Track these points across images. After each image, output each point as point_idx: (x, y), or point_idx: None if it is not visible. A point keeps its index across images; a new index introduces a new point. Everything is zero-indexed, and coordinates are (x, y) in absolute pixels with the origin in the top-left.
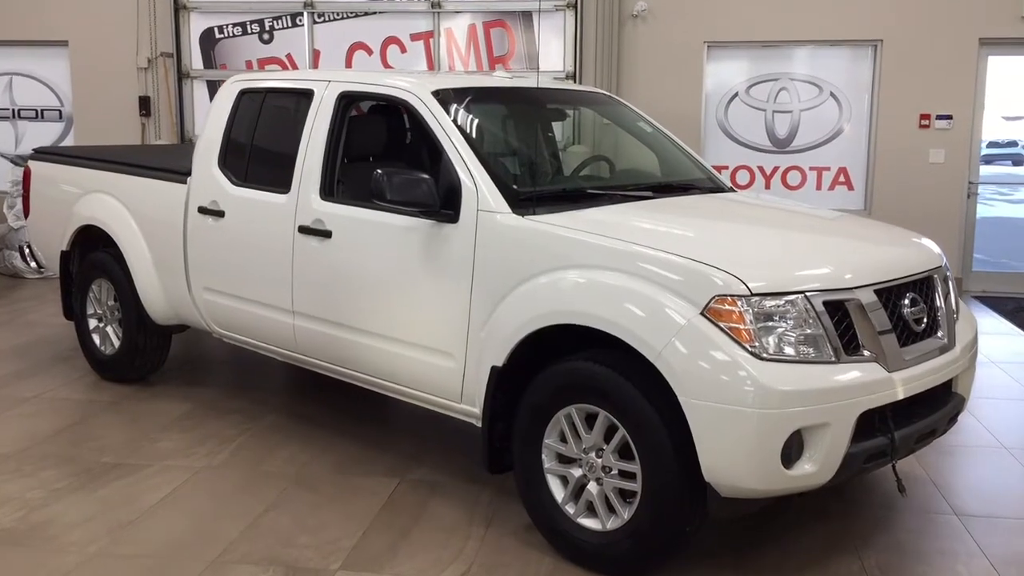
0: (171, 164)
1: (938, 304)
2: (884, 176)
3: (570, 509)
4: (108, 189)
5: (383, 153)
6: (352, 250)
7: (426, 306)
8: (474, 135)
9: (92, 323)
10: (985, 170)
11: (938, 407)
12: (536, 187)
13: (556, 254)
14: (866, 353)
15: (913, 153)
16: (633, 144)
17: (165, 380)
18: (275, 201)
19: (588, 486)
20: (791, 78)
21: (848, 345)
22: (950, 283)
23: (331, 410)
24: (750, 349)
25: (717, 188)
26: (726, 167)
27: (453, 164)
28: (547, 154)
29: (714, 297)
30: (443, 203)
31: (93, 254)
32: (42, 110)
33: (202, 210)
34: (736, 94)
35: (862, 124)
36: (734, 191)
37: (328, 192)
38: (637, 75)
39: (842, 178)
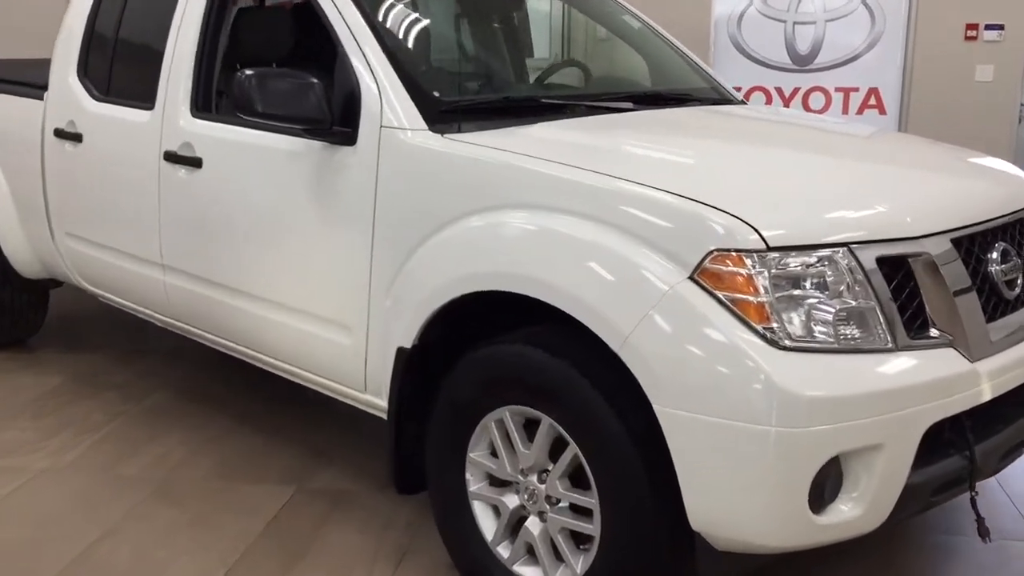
0: (32, 77)
1: None
2: (922, 98)
3: (503, 552)
4: None
5: (288, 57)
6: (226, 184)
7: (316, 262)
8: (388, 23)
9: None
10: None
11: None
12: (468, 95)
13: (480, 189)
14: (938, 334)
15: (957, 70)
16: (617, 46)
17: (47, 344)
18: (138, 120)
19: (528, 522)
20: None
21: (912, 322)
22: None
23: (238, 388)
24: (763, 332)
25: (724, 100)
26: (739, 88)
27: (351, 61)
28: (501, 55)
29: (711, 253)
30: (339, 118)
31: None
32: None
33: (58, 133)
34: (751, 3)
35: (897, 36)
36: (744, 103)
37: (202, 107)
38: None
39: (872, 100)
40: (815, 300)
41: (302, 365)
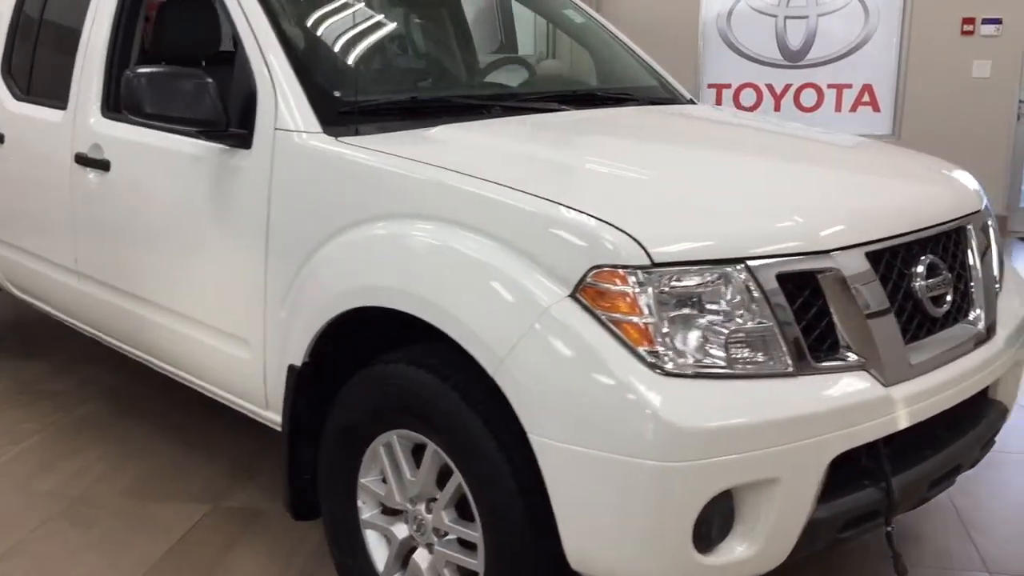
0: None
1: (974, 270)
2: (917, 94)
3: None
4: None
5: (213, 55)
6: (133, 189)
7: (215, 272)
8: (293, 19)
9: None
10: None
11: (964, 428)
12: (377, 95)
13: (364, 196)
14: (849, 356)
15: (953, 66)
16: (563, 42)
17: None
18: (52, 120)
19: (416, 554)
20: None
21: (821, 343)
22: (992, 236)
23: (174, 398)
24: (645, 355)
25: (672, 99)
26: (728, 85)
27: (249, 58)
28: (428, 53)
29: (592, 269)
30: (236, 119)
31: None
32: None
33: None
34: None
35: (891, 31)
36: (694, 103)
37: (113, 107)
38: None
39: (866, 97)
40: (705, 321)
41: (207, 379)
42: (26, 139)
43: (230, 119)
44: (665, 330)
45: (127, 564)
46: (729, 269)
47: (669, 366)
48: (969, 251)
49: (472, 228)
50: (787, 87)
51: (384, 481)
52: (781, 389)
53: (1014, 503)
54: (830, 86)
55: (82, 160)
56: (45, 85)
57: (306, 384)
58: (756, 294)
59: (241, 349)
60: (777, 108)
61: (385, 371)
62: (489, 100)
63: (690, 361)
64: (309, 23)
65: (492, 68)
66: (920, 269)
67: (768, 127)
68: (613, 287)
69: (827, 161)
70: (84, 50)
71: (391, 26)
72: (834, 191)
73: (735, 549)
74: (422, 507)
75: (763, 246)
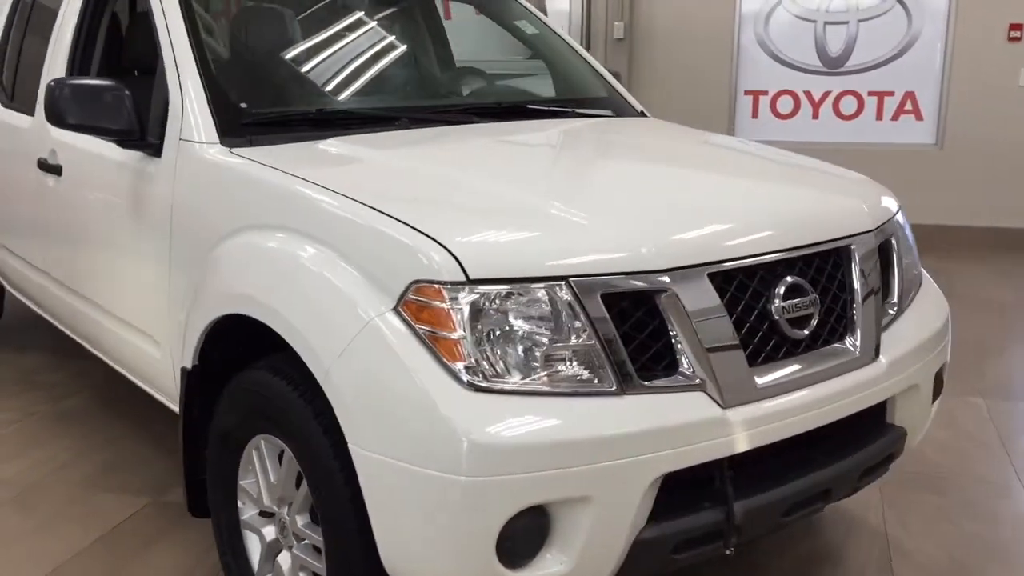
0: None
1: (855, 293)
2: (961, 103)
3: None
4: None
5: None
6: (77, 192)
7: (132, 272)
8: (216, 34)
9: None
10: None
11: (841, 453)
12: (284, 107)
13: (242, 205)
14: (685, 377)
15: (999, 73)
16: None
17: (7, 339)
18: (21, 126)
19: (280, 555)
20: None
21: (658, 362)
22: (895, 255)
23: None
24: (457, 371)
25: (617, 111)
26: (765, 92)
27: (166, 71)
28: (358, 65)
29: (413, 284)
30: (153, 129)
31: None
32: None
33: None
34: (779, 1)
35: (936, 37)
36: (644, 115)
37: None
38: None
39: (908, 105)
40: (521, 338)
41: (139, 376)
42: (4, 145)
43: (146, 129)
44: (479, 346)
45: (56, 550)
46: (550, 287)
47: (481, 382)
48: (850, 274)
49: (315, 239)
50: (826, 94)
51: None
52: (601, 407)
53: (940, 528)
54: (871, 94)
55: (42, 165)
56: (23, 93)
57: (196, 386)
58: (578, 313)
59: (154, 348)
60: (815, 116)
61: (251, 377)
62: (400, 112)
63: (503, 378)
64: (230, 39)
65: (450, 79)
66: (780, 290)
67: (675, 142)
68: (431, 302)
69: (707, 178)
70: (49, 59)
71: (314, 41)
72: (691, 209)
73: (548, 565)
74: (285, 510)
75: (587, 265)
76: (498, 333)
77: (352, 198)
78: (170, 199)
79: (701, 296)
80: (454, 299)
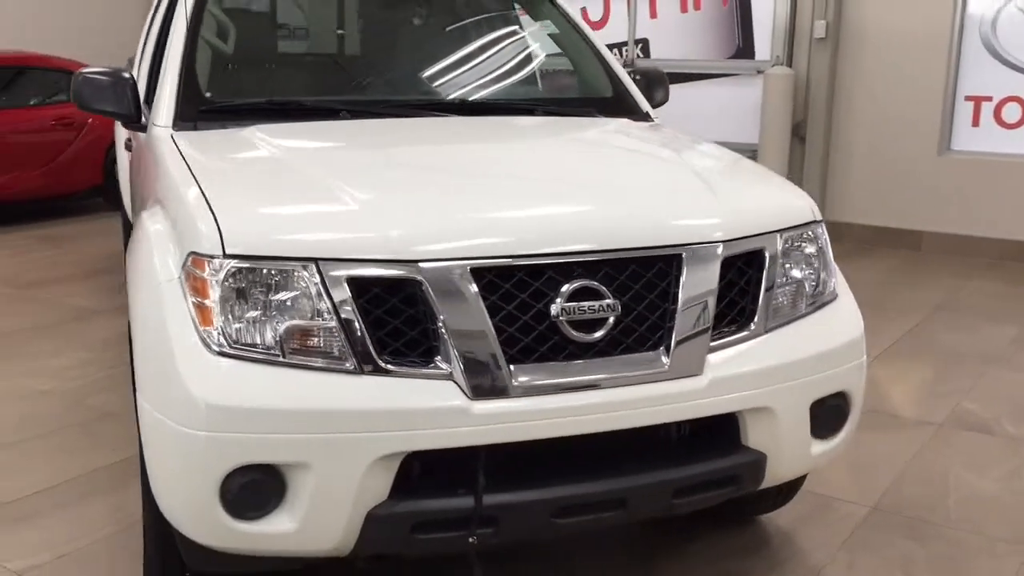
0: None
1: (677, 304)
2: None
3: None
4: None
5: None
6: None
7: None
8: (212, 31)
9: None
10: None
11: (646, 465)
12: (242, 98)
13: (154, 180)
14: (433, 365)
15: None
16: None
17: None
18: None
19: None
20: None
21: (414, 348)
22: (767, 272)
23: None
24: (209, 337)
25: (616, 112)
26: (989, 99)
27: (162, 59)
28: (329, 60)
29: (189, 254)
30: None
31: None
32: None
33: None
34: (1009, 1)
35: None
36: (648, 119)
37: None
38: None
39: None
40: (266, 312)
41: None
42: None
43: (139, 112)
44: (228, 316)
45: None
46: (298, 267)
47: (225, 349)
48: (677, 283)
49: (166, 211)
50: None
51: None
52: (332, 383)
53: None
54: None
55: (126, 145)
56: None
57: None
58: (323, 293)
59: None
60: None
61: None
62: (344, 106)
63: (245, 347)
64: (219, 34)
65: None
66: (565, 292)
67: (586, 144)
68: (197, 272)
69: (553, 179)
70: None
71: (290, 39)
72: (486, 207)
73: (276, 523)
74: None
75: (336, 250)
76: (246, 305)
77: (193, 174)
78: (142, 173)
79: (457, 290)
80: (213, 271)
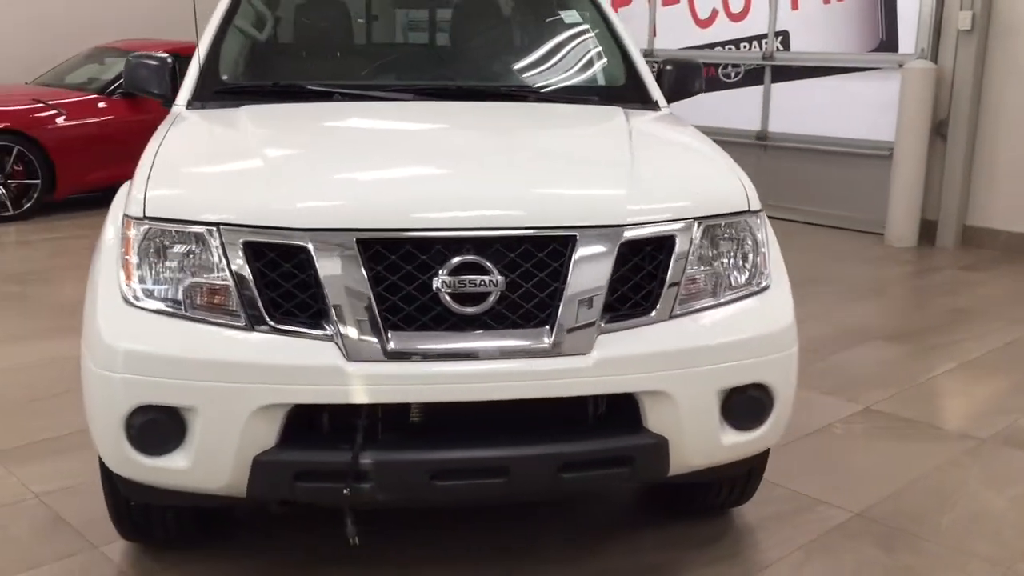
0: None
1: (565, 281)
2: None
3: None
4: None
5: None
6: None
7: None
8: (246, 18)
9: None
10: None
11: (534, 437)
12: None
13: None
14: (317, 327)
15: None
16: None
17: None
18: None
19: None
20: None
21: (305, 311)
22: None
23: None
24: (124, 289)
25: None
26: None
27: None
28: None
29: (124, 216)
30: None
31: None
32: None
33: None
34: None
35: None
36: (657, 109)
37: None
38: None
39: None
40: (172, 270)
41: None
42: None
43: (175, 92)
44: (142, 272)
45: None
46: (200, 231)
47: (136, 300)
48: (569, 263)
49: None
50: None
51: None
52: (222, 337)
53: None
54: None
55: None
56: None
57: None
58: (221, 256)
59: None
60: None
61: None
62: (337, 88)
63: (152, 299)
64: (256, 19)
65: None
66: (449, 265)
67: (555, 127)
68: (126, 232)
69: (478, 158)
70: None
71: (315, 26)
72: (387, 181)
73: (174, 460)
74: None
75: (232, 216)
76: (158, 263)
77: (159, 145)
78: None
79: (340, 258)
80: (134, 231)
